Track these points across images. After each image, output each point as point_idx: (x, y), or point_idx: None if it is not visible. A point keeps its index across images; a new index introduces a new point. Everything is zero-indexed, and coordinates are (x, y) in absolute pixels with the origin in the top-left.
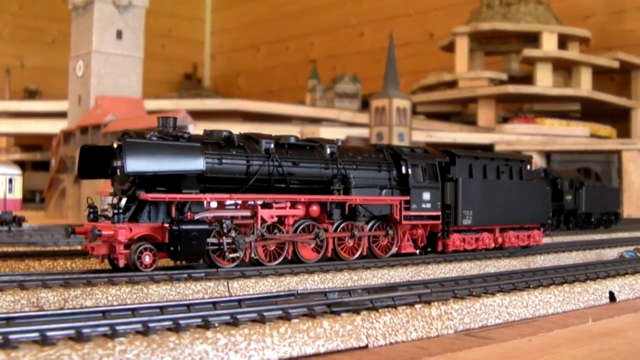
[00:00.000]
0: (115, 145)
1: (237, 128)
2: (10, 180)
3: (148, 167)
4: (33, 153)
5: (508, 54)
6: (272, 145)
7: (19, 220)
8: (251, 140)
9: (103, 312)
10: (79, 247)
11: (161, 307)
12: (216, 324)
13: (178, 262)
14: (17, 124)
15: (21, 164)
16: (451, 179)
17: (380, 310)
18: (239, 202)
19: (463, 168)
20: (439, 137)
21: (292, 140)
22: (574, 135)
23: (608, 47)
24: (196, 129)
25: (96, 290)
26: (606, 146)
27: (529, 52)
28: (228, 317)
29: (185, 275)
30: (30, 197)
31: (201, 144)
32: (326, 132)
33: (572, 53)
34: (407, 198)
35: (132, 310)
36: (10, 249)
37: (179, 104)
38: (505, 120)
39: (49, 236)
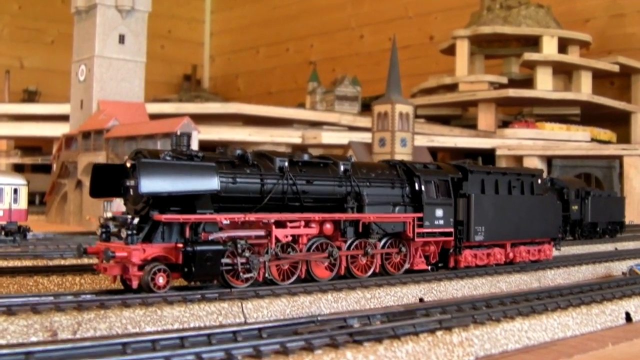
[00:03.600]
0: (128, 165)
1: (238, 132)
2: (16, 191)
3: (162, 187)
4: (34, 156)
5: (508, 57)
6: (286, 163)
7: (24, 231)
8: (265, 158)
9: (123, 344)
10: (86, 261)
11: (181, 338)
12: (239, 357)
13: (192, 283)
14: (18, 127)
15: (21, 167)
16: (464, 194)
17: (402, 339)
18: (253, 221)
19: (475, 183)
20: (440, 141)
21: (306, 157)
22: (575, 140)
23: (608, 51)
24: (200, 134)
25: (110, 313)
26: (607, 151)
27: (530, 55)
28: (251, 350)
29: (199, 296)
30: (31, 200)
31: (215, 163)
32: (328, 137)
33: (573, 57)
34: (421, 215)
35: (152, 341)
36: (18, 263)
37: (180, 108)
38: (505, 124)
39: (54, 247)
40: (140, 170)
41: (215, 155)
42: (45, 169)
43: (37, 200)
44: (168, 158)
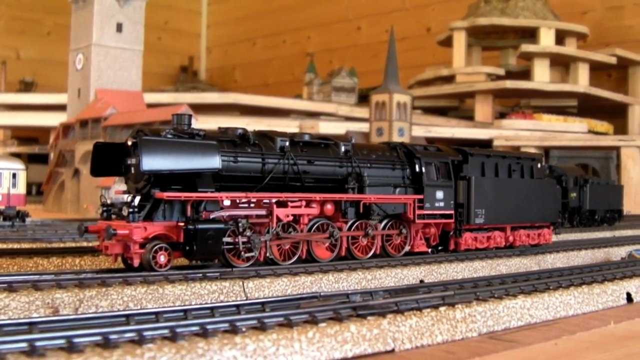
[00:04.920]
0: (129, 143)
1: (235, 122)
2: (14, 175)
3: (164, 165)
4: (30, 146)
5: (505, 49)
6: (287, 143)
7: (22, 216)
8: (266, 138)
9: (127, 316)
10: (85, 244)
11: (185, 311)
12: (244, 329)
13: (193, 262)
14: (14, 117)
15: (17, 157)
16: (464, 177)
17: (405, 314)
18: (254, 200)
19: (475, 166)
20: (437, 132)
21: (307, 138)
22: (573, 131)
23: (605, 43)
24: (197, 123)
25: (111, 290)
26: (605, 142)
27: (527, 47)
28: (255, 322)
29: (200, 275)
30: (28, 190)
31: (217, 142)
32: (325, 127)
33: (570, 49)
34: (421, 197)
35: (156, 314)
36: (17, 246)
37: (178, 98)
38: (502, 115)
39: (53, 232)
40: (142, 148)
41: (216, 134)
42: (42, 159)
43: (34, 190)
44: (169, 136)
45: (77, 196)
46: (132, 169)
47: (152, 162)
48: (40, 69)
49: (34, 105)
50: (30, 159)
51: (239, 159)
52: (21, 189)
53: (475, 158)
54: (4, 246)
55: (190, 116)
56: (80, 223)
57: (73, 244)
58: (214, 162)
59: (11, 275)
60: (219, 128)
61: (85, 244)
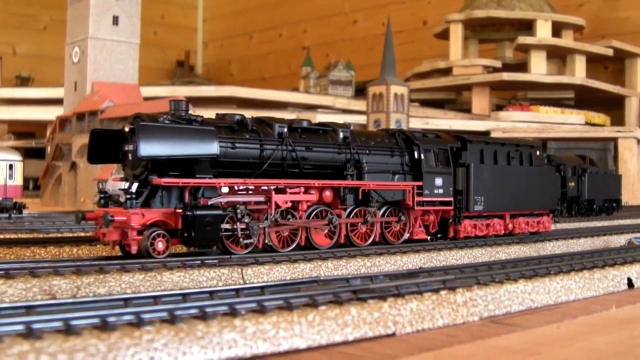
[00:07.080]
0: (126, 129)
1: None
2: (11, 167)
3: (162, 151)
4: (27, 140)
5: (502, 41)
6: (286, 130)
7: (19, 207)
8: (264, 124)
9: (125, 299)
10: (83, 234)
11: (184, 295)
12: (243, 312)
13: (191, 249)
14: (11, 111)
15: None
16: (463, 164)
17: (406, 297)
18: (252, 187)
19: (474, 153)
20: (435, 124)
21: (305, 124)
22: (570, 123)
23: (602, 35)
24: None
25: (109, 277)
26: (602, 134)
27: (524, 39)
28: (255, 305)
29: (199, 262)
30: (25, 185)
31: (215, 128)
32: (322, 119)
33: (567, 41)
34: (420, 183)
35: (154, 297)
36: (14, 236)
37: (174, 91)
38: (499, 107)
39: (50, 223)
40: (140, 133)
41: (214, 120)
42: (39, 154)
43: (30, 185)
44: (167, 122)
45: (74, 189)
46: (130, 155)
47: (149, 148)
48: (37, 64)
49: (31, 99)
50: (27, 154)
51: (237, 145)
52: (18, 180)
53: (474, 145)
54: (1, 237)
55: (187, 102)
56: (78, 210)
57: (70, 234)
58: (211, 148)
59: (8, 263)
60: (217, 114)
61: (82, 234)
